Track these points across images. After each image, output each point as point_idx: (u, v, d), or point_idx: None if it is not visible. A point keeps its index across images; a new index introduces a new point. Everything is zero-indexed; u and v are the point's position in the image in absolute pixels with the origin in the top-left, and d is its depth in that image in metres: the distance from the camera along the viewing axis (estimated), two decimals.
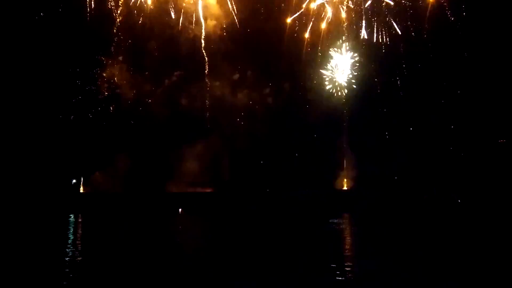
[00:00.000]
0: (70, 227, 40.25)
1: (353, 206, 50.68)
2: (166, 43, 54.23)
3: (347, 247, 28.65)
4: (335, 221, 41.30)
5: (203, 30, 54.16)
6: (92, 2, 51.96)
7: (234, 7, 53.75)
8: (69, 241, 30.60)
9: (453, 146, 56.09)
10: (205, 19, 54.20)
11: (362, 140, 56.47)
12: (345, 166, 57.70)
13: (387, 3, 53.94)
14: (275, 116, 56.04)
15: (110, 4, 52.38)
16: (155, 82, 55.84)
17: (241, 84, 56.81)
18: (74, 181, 55.21)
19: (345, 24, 55.28)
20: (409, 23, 54.34)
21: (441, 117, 55.26)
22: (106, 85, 54.34)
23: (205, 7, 53.89)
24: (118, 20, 52.52)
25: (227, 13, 54.00)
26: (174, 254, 25.55)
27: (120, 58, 54.49)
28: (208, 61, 55.12)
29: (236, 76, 56.63)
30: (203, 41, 54.31)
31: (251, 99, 56.80)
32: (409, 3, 53.79)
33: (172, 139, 55.02)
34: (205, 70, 55.47)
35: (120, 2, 52.45)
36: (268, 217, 45.76)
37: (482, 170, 52.72)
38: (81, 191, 54.49)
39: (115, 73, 54.49)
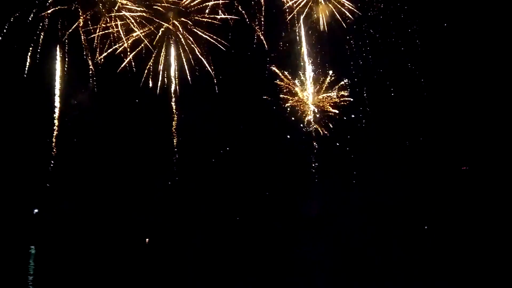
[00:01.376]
0: (30, 260, 38.77)
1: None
2: None
3: None
4: None
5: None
6: None
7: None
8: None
9: (417, 173, 57.12)
10: None
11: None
12: (318, 190, 57.90)
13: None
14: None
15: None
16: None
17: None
18: (36, 210, 53.40)
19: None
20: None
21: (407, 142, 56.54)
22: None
23: None
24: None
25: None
26: None
27: None
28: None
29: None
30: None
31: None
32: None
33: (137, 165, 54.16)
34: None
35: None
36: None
37: (445, 198, 53.92)
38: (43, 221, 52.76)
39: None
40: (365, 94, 56.44)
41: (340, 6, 53.31)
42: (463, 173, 56.55)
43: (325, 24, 54.42)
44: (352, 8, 53.54)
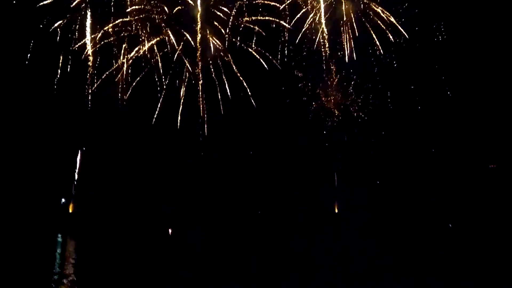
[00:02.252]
0: (57, 248, 39.73)
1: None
2: None
3: None
4: None
5: None
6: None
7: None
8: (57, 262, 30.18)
9: (443, 171, 56.30)
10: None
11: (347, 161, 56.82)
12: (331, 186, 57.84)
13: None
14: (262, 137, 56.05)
15: None
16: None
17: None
18: (63, 200, 54.70)
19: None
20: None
21: (431, 142, 55.66)
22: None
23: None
24: None
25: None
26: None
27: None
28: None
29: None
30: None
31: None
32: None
33: (166, 160, 54.94)
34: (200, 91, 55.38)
35: None
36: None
37: (473, 195, 53.03)
38: (70, 210, 53.97)
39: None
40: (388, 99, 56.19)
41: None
42: (490, 171, 55.58)
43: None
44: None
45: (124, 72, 52.78)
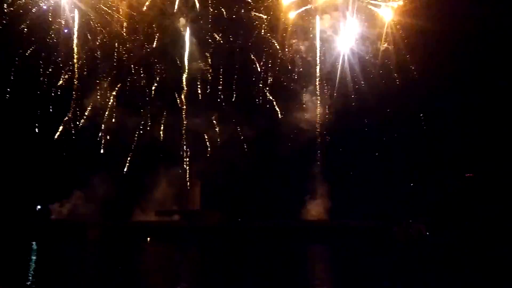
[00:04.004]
0: (32, 256, 38.75)
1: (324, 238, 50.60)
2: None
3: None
4: None
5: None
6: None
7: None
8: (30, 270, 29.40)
9: (422, 180, 56.94)
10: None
11: (335, 168, 56.81)
12: (318, 195, 57.73)
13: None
14: (248, 147, 55.96)
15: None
16: (134, 109, 55.34)
17: (217, 115, 56.89)
18: (38, 207, 53.70)
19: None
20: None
21: (410, 151, 56.20)
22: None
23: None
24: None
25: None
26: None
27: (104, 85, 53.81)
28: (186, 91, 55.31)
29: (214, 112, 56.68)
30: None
31: (226, 130, 56.60)
32: None
33: (144, 167, 54.48)
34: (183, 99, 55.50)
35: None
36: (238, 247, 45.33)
37: (449, 203, 53.62)
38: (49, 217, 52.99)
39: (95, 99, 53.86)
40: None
41: None
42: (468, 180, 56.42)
43: None
44: None
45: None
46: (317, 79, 57.34)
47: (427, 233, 50.45)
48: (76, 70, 52.64)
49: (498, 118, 53.73)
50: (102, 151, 53.86)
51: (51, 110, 52.48)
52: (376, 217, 54.07)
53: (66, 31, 51.14)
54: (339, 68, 56.51)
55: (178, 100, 55.20)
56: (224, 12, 53.76)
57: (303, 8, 54.16)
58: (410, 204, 54.19)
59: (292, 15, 54.14)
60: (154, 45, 53.65)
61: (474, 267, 30.93)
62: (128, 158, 53.90)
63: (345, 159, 56.90)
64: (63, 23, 50.72)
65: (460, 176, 56.89)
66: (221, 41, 54.75)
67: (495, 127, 53.98)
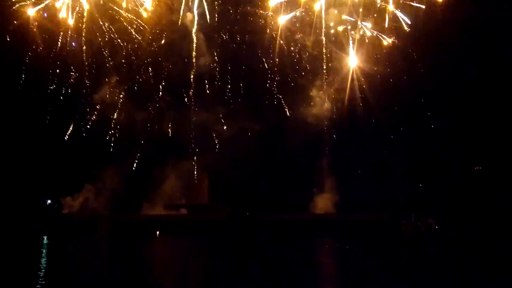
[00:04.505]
0: (43, 250, 39.20)
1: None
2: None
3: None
4: None
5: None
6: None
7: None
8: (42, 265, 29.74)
9: (431, 173, 56.76)
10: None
11: (343, 163, 56.79)
12: (325, 189, 57.78)
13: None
14: (255, 141, 56.04)
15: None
16: (142, 105, 55.64)
17: (225, 110, 57.04)
18: (49, 201, 54.13)
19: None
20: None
21: (418, 144, 56.04)
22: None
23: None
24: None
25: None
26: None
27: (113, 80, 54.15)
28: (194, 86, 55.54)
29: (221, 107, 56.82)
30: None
31: (234, 125, 56.66)
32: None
33: (153, 161, 54.83)
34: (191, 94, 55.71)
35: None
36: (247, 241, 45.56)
37: (458, 197, 53.47)
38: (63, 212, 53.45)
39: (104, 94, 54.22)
40: None
41: None
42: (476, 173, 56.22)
43: None
44: None
45: None
46: (324, 74, 57.13)
47: (437, 227, 50.40)
48: (85, 68, 53.00)
49: (505, 112, 53.46)
50: (111, 148, 54.18)
51: (62, 106, 52.83)
52: (383, 210, 54.12)
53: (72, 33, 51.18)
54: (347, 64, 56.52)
55: (185, 96, 55.37)
56: (231, 9, 53.64)
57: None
58: (419, 198, 54.10)
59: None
60: (162, 42, 53.70)
61: (480, 263, 30.81)
62: (137, 153, 54.22)
63: (353, 153, 56.72)
64: (72, 22, 50.82)
65: (468, 169, 56.66)
66: (228, 38, 54.70)
67: (502, 120, 53.74)
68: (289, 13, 54.23)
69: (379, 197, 55.01)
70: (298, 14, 54.50)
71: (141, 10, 51.76)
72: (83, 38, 52.00)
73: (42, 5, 50.46)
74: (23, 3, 49.95)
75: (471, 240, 44.03)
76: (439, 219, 50.69)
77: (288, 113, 57.41)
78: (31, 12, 50.19)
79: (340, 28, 55.60)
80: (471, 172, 56.86)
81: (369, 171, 56.68)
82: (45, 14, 50.91)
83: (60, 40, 51.61)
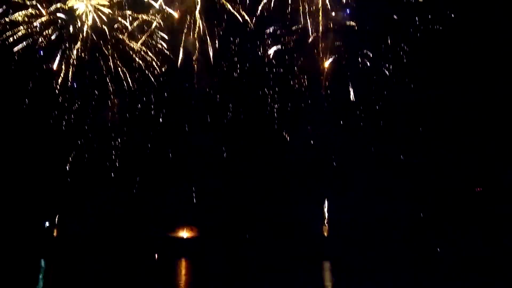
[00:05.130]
0: (40, 273, 38.88)
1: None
2: None
3: None
4: None
5: None
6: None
7: None
8: None
9: (431, 194, 56.56)
10: None
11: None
12: (326, 210, 57.70)
13: None
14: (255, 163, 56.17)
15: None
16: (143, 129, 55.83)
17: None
18: (47, 224, 53.91)
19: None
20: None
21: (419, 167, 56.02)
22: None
23: None
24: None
25: None
26: None
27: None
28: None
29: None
30: None
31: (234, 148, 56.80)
32: None
33: (153, 184, 54.87)
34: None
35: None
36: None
37: (459, 218, 53.24)
38: (55, 234, 53.15)
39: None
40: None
41: None
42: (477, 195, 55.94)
43: None
44: None
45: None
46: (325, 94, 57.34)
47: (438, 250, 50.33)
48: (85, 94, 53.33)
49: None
50: (112, 172, 54.21)
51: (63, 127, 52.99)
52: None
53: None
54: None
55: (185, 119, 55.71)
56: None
57: None
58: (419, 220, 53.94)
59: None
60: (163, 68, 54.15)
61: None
62: (138, 176, 54.29)
63: (354, 174, 56.75)
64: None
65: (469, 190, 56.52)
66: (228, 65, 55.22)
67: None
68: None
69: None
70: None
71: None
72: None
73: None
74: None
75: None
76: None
77: (288, 137, 57.48)
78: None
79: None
80: (471, 193, 56.63)
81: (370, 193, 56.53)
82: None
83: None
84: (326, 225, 57.13)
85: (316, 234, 56.91)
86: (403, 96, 55.77)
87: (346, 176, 57.16)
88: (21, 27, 48.10)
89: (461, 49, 52.81)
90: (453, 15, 51.85)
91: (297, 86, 56.34)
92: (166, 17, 52.54)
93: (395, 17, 52.22)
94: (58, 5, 48.36)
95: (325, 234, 56.82)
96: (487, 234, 50.19)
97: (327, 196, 57.77)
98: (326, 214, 57.39)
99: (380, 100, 55.83)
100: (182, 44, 53.79)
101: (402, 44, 54.37)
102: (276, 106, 56.73)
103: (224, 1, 52.43)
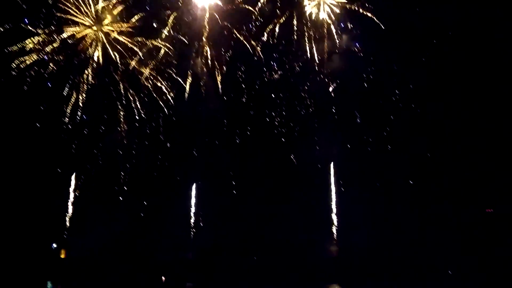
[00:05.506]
0: None
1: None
2: None
3: None
4: None
5: None
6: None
7: None
8: None
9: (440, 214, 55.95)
10: None
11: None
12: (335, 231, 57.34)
13: None
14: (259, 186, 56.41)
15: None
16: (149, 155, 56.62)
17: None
18: (54, 245, 54.21)
19: None
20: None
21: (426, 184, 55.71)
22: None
23: None
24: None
25: None
26: None
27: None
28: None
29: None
30: None
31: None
32: None
33: (159, 206, 55.23)
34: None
35: None
36: None
37: (470, 240, 52.39)
38: (62, 256, 53.38)
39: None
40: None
41: None
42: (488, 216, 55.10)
43: None
44: None
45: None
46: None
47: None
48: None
49: None
50: (120, 196, 54.85)
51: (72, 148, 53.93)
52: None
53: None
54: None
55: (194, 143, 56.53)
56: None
57: None
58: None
59: None
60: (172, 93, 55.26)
61: None
62: (144, 200, 54.86)
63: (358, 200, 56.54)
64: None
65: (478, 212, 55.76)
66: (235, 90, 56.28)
67: None
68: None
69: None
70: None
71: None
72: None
73: None
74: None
75: None
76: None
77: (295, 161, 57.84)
78: None
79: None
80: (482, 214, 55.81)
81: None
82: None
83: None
84: (336, 246, 56.58)
85: (325, 255, 56.34)
86: (410, 119, 56.52)
87: (354, 198, 57.08)
88: (33, 54, 49.98)
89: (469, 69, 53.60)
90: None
91: (304, 111, 57.85)
92: (175, 43, 54.63)
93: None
94: (69, 31, 50.28)
95: (335, 255, 56.15)
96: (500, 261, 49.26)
97: (336, 217, 57.43)
98: (335, 235, 56.90)
99: (387, 123, 56.93)
100: (190, 69, 55.54)
101: (408, 67, 55.80)
102: (283, 130, 57.85)
103: (229, 27, 54.42)
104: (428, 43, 54.51)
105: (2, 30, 48.22)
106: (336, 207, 57.43)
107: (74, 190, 53.62)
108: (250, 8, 53.47)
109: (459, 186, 54.80)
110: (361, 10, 53.21)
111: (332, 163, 58.30)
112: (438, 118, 55.20)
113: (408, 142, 56.00)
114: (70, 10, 50.76)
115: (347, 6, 53.55)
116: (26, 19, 49.10)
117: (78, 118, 52.50)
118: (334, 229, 56.75)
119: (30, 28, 49.23)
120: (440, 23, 53.51)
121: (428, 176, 55.99)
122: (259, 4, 53.49)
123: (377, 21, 52.92)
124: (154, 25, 53.68)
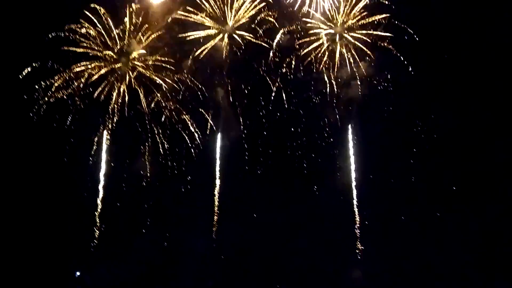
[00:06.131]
0: None
1: None
2: None
3: None
4: None
5: None
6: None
7: None
8: None
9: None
10: None
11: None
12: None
13: None
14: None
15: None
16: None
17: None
18: (78, 273, 54.74)
19: None
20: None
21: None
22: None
23: None
24: None
25: None
26: None
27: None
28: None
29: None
30: None
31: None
32: None
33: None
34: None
35: None
36: None
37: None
38: (86, 284, 53.96)
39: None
40: None
41: None
42: None
43: None
44: None
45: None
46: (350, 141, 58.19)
47: None
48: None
49: None
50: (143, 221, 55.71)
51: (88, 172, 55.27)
52: None
53: None
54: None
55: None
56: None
57: None
58: None
59: None
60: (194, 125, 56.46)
61: None
62: (168, 230, 55.67)
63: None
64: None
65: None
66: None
67: None
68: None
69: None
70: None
71: None
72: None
73: None
74: None
75: None
76: None
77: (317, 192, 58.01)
78: None
79: None
80: None
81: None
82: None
83: None
84: (360, 273, 56.07)
85: (350, 284, 55.89)
86: (432, 148, 56.39)
87: (378, 227, 56.73)
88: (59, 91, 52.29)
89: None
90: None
91: (324, 143, 58.35)
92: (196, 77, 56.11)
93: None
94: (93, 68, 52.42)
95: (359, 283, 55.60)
96: None
97: (360, 246, 57.05)
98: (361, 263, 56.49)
99: (408, 153, 56.84)
100: (211, 101, 56.78)
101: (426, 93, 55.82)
102: (304, 161, 58.33)
103: (248, 60, 55.75)
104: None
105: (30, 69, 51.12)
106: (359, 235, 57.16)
107: (98, 223, 54.75)
108: (269, 42, 55.32)
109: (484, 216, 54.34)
110: (380, 43, 54.63)
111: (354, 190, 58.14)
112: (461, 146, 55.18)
113: (431, 170, 55.92)
114: (94, 46, 53.37)
115: (366, 39, 55.03)
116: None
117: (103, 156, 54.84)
118: (359, 257, 56.46)
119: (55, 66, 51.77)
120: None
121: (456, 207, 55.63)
122: (277, 38, 55.43)
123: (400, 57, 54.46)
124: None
